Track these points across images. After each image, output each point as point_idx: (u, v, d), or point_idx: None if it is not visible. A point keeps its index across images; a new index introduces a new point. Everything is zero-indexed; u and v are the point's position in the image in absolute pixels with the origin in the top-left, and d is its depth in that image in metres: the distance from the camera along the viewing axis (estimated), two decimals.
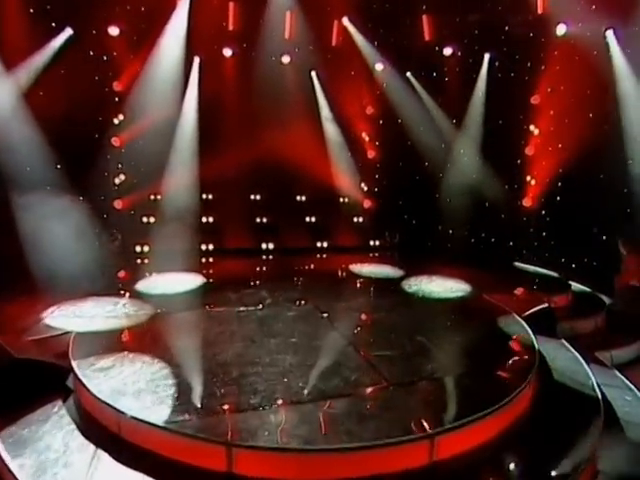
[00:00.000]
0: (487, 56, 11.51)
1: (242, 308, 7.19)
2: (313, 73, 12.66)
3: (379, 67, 12.78)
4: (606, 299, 8.63)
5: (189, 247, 10.66)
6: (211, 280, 8.98)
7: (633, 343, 7.10)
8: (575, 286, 9.05)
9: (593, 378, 5.62)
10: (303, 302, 7.55)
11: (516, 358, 5.61)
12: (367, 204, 13.63)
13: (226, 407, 4.31)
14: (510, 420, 4.63)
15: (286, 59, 12.28)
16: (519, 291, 8.48)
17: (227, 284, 8.49)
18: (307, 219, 12.82)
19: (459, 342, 6.13)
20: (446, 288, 8.45)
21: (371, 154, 13.71)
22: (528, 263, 10.82)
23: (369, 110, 13.40)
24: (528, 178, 12.19)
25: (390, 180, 13.51)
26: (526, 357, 5.57)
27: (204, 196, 12.36)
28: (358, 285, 9.04)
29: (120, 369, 4.92)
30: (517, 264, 10.68)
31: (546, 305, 7.38)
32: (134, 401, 4.30)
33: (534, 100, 11.73)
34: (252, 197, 12.96)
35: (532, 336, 6.11)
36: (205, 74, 11.65)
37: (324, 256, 11.65)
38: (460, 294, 8.23)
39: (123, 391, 4.46)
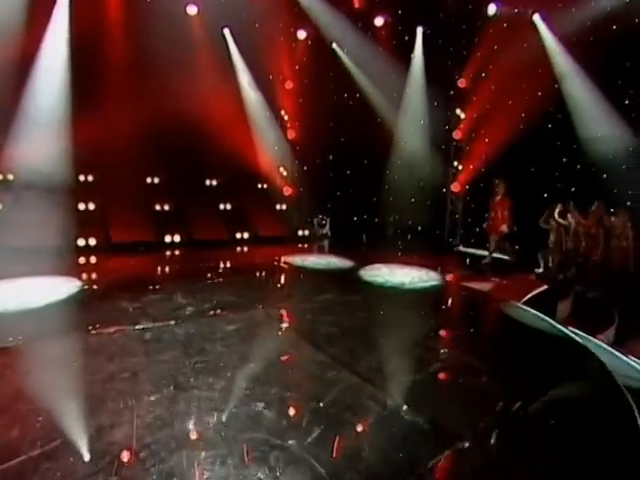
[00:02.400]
0: (420, 30, 9.86)
1: (147, 324, 4.14)
2: (226, 31, 9.75)
3: (301, 34, 10.40)
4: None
5: (58, 243, 6.99)
6: (93, 286, 5.64)
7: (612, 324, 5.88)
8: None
9: None
10: (243, 307, 4.75)
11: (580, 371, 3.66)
12: (287, 191, 11.12)
13: None
14: None
15: (192, 9, 9.18)
16: (488, 276, 6.82)
17: (119, 290, 5.26)
18: (221, 206, 9.83)
19: (489, 347, 3.99)
20: (414, 277, 6.36)
21: (291, 135, 11.23)
22: (469, 247, 9.38)
23: (289, 84, 10.90)
24: (455, 163, 10.94)
25: (313, 165, 11.18)
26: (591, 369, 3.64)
27: (81, 176, 8.65)
28: (309, 280, 6.44)
29: None
30: (460, 249, 9.12)
31: (545, 287, 5.72)
32: None
33: (461, 83, 10.46)
34: (149, 179, 9.55)
35: (580, 338, 4.22)
36: (78, 10, 7.98)
37: (245, 249, 8.79)
38: (434, 283, 6.20)
39: None
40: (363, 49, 9.86)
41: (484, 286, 6.06)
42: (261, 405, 2.77)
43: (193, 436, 2.46)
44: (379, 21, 9.85)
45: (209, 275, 6.28)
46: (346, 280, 6.16)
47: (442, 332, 4.33)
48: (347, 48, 10.15)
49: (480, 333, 4.36)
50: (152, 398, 2.83)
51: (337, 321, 4.40)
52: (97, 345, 3.66)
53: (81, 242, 7.69)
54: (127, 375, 3.14)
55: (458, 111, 10.56)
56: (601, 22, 7.47)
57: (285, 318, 4.39)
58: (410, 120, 10.21)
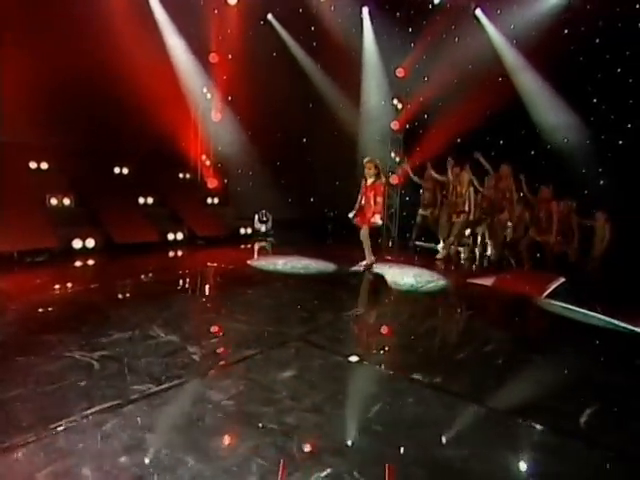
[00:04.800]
0: (366, 10, 8.99)
1: (148, 388, 2.36)
2: None
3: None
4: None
5: None
6: None
7: None
8: None
9: None
10: (266, 337, 3.22)
11: None
12: (212, 183, 9.22)
13: None
14: None
15: None
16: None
17: (47, 329, 3.14)
18: (140, 200, 7.49)
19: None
20: (415, 277, 5.47)
21: (216, 117, 9.30)
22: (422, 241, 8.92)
23: (214, 58, 8.94)
24: (392, 155, 10.49)
25: (240, 153, 9.48)
26: None
27: None
28: (307, 289, 4.76)
29: None
30: (418, 243, 8.57)
31: (563, 279, 5.40)
32: None
33: (399, 73, 10.00)
34: (33, 164, 6.69)
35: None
36: None
37: (186, 253, 6.75)
38: (442, 282, 5.39)
39: None
40: (305, 24, 8.61)
41: (486, 281, 5.53)
42: None
43: None
44: None
45: (172, 292, 4.39)
46: (351, 286, 4.92)
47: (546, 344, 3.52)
48: (286, 20, 8.72)
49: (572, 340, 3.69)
50: None
51: (409, 343, 3.24)
52: (75, 455, 1.81)
53: None
54: None
55: (395, 101, 10.09)
56: (542, 18, 7.66)
57: (342, 347, 3.04)
58: (354, 108, 9.36)
